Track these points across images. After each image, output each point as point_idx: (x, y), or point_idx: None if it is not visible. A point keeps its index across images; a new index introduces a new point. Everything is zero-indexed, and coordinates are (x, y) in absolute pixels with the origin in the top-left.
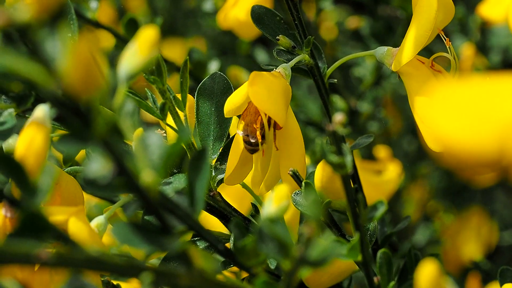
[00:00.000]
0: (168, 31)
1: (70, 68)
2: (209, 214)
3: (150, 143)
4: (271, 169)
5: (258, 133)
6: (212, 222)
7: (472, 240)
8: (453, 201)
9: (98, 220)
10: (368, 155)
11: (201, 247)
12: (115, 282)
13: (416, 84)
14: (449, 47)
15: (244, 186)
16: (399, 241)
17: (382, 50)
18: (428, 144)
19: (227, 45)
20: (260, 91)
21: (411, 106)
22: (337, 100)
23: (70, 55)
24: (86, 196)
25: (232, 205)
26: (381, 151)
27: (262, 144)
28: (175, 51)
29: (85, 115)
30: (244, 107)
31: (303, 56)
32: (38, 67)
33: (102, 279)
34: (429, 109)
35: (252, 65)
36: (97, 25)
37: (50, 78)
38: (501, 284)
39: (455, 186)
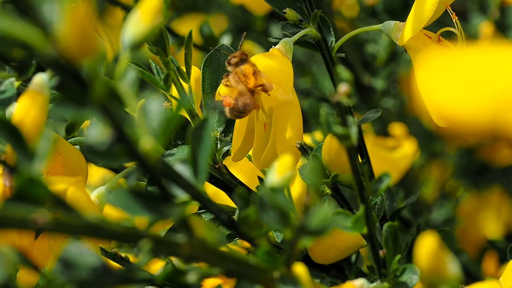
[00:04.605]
0: (190, 8)
1: (67, 31)
2: (220, 190)
3: (150, 110)
4: (270, 146)
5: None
6: (222, 198)
7: (492, 219)
8: (473, 181)
9: (99, 191)
10: (384, 133)
11: (206, 219)
12: (123, 255)
13: (421, 58)
14: (455, 21)
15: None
16: (415, 218)
17: (389, 25)
18: (434, 119)
19: (247, 23)
20: None
21: (415, 80)
22: (342, 71)
23: (67, 18)
24: (102, 171)
25: (244, 180)
26: (397, 128)
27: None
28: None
29: (82, 78)
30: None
31: (310, 30)
32: (35, 30)
33: (109, 251)
34: (429, 81)
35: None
36: None
37: (47, 41)
38: None
39: (475, 165)
